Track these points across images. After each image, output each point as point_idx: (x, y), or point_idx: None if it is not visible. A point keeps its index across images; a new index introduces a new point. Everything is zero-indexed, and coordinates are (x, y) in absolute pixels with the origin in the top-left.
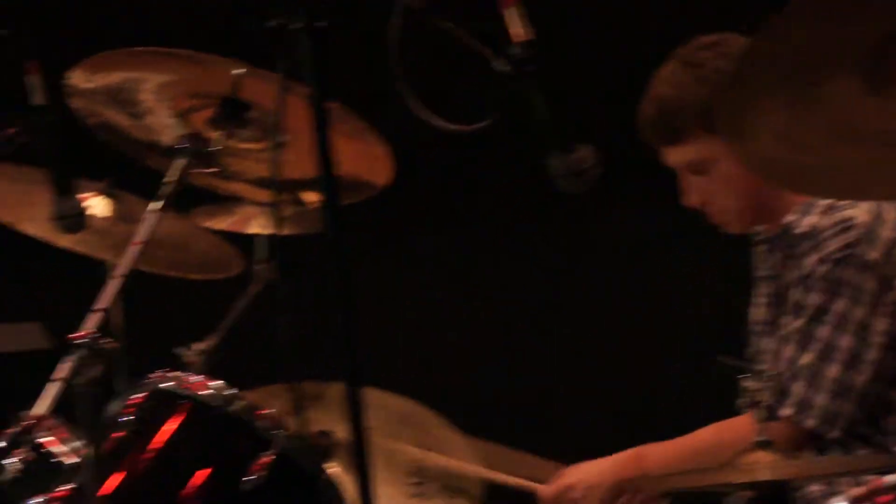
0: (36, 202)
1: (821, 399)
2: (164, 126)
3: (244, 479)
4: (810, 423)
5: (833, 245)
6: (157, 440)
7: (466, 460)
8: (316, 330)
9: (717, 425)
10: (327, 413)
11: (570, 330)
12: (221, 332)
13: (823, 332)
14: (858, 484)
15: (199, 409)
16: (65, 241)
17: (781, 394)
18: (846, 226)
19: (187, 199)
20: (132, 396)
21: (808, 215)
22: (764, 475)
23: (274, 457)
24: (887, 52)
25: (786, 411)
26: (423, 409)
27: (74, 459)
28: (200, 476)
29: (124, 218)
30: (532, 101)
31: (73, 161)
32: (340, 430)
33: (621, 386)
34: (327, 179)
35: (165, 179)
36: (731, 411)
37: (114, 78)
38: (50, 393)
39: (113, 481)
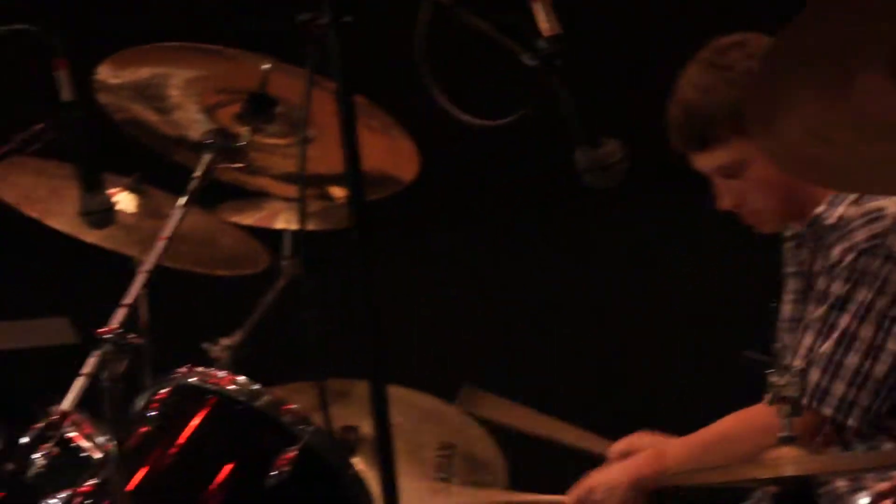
0: (64, 197)
1: (838, 388)
2: (192, 121)
3: (269, 474)
4: (827, 411)
5: (860, 235)
6: (183, 435)
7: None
8: (342, 326)
9: (735, 414)
10: (353, 410)
11: (594, 326)
12: (248, 327)
13: (844, 320)
14: (883, 479)
15: (224, 404)
16: (92, 236)
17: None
18: (875, 216)
19: (214, 195)
20: (158, 391)
21: (838, 206)
22: (789, 470)
23: (299, 452)
24: None
25: (803, 400)
26: (447, 405)
27: (100, 454)
28: (225, 471)
29: (152, 213)
30: (559, 96)
31: (101, 157)
32: (366, 427)
33: (646, 382)
34: (353, 175)
35: (193, 175)
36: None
37: (141, 73)
38: (76, 388)
39: (138, 476)
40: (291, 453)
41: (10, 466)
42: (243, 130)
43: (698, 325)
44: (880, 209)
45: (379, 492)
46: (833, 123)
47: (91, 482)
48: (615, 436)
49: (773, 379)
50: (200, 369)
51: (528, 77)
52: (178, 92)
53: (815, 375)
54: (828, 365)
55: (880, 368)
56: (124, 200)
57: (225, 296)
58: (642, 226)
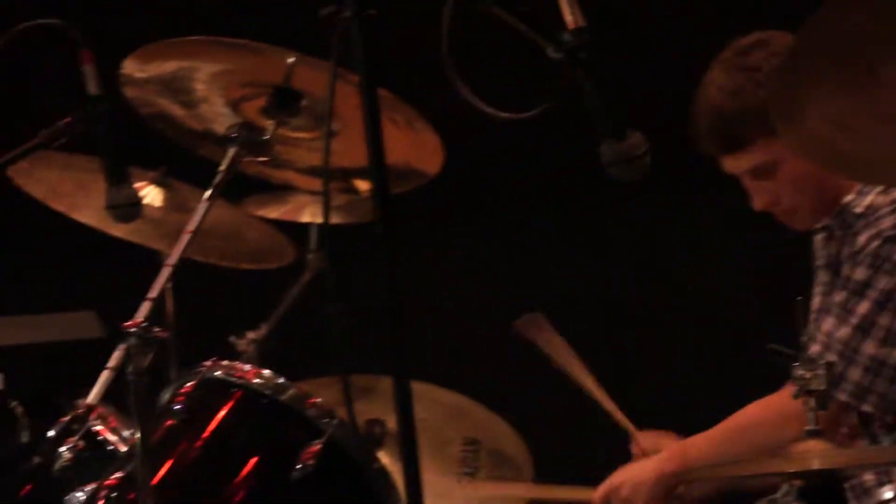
0: (91, 192)
1: (854, 374)
2: (217, 115)
3: (294, 467)
4: (842, 396)
5: (887, 222)
6: (208, 429)
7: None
8: (368, 321)
9: (757, 403)
10: (379, 405)
11: (617, 321)
12: (274, 321)
13: (864, 307)
14: None
15: (249, 398)
16: (119, 230)
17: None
18: None
19: (240, 189)
20: (183, 385)
21: (867, 196)
22: (815, 464)
23: (323, 446)
24: None
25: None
26: (471, 401)
27: (126, 447)
28: (250, 464)
29: (178, 207)
30: (584, 89)
31: (128, 150)
32: (392, 421)
33: (669, 376)
34: (377, 168)
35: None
36: None
37: (167, 67)
38: (101, 381)
39: (164, 469)
40: (316, 447)
41: (36, 460)
42: (268, 124)
43: (723, 318)
44: None
45: (404, 486)
46: (858, 116)
47: (116, 475)
48: (646, 426)
49: (800, 372)
50: (225, 363)
51: (552, 70)
52: (204, 86)
53: (829, 358)
54: (844, 350)
55: None
56: (151, 194)
57: (252, 289)
58: (666, 219)
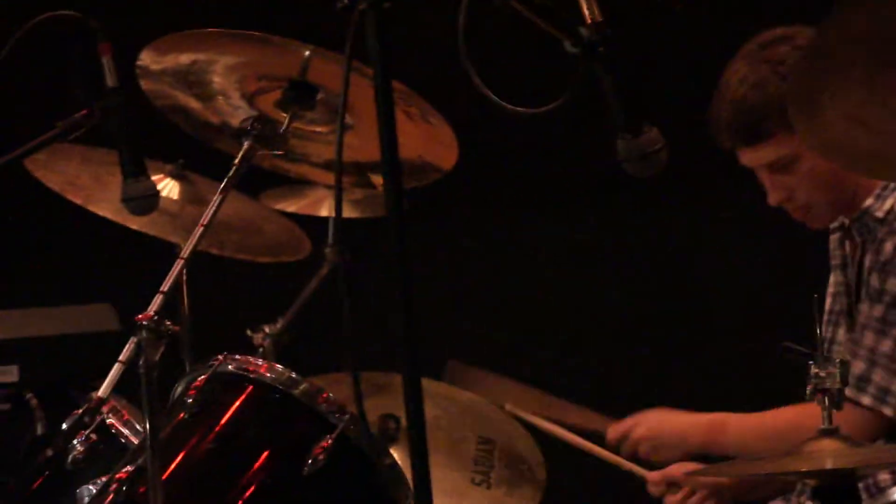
0: (108, 184)
1: None
2: (233, 108)
3: (305, 462)
4: (888, 411)
5: None
6: (220, 423)
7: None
8: (382, 317)
9: (797, 408)
10: (395, 401)
11: (635, 314)
12: (291, 315)
13: None
14: None
15: (261, 392)
16: (135, 223)
17: (862, 381)
18: None
19: (258, 182)
20: (195, 379)
21: (886, 199)
22: (830, 463)
23: (335, 441)
24: None
25: (866, 400)
26: (483, 400)
27: (138, 441)
28: (262, 458)
29: (195, 200)
30: (602, 84)
31: (145, 143)
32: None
33: (686, 373)
34: (391, 162)
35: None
36: (798, 398)
37: (183, 59)
38: (112, 375)
39: (175, 463)
40: (327, 442)
41: (49, 452)
42: (283, 117)
43: (738, 316)
44: None
45: (413, 482)
46: (876, 113)
47: (127, 469)
48: None
49: (814, 370)
50: (238, 357)
51: (569, 64)
52: (220, 78)
53: (877, 377)
54: (890, 364)
55: None
56: (168, 187)
57: (269, 283)
58: (682, 215)
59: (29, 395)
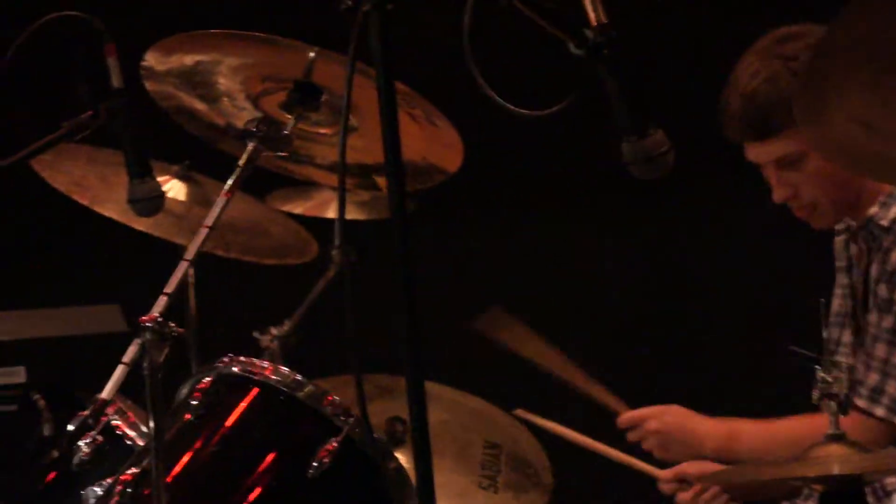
0: (114, 185)
1: None
2: (237, 109)
3: (310, 465)
4: None
5: None
6: (225, 425)
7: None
8: (388, 319)
9: (806, 418)
10: (401, 404)
11: (638, 315)
12: (298, 317)
13: None
14: None
15: (266, 394)
16: (142, 224)
17: (876, 393)
18: None
19: (265, 184)
20: (200, 380)
21: (891, 207)
22: (837, 469)
23: (340, 443)
24: None
25: (879, 411)
26: (494, 406)
27: (143, 442)
28: (267, 461)
29: (201, 201)
30: (607, 86)
31: (152, 144)
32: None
33: (687, 371)
34: (394, 164)
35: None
36: (798, 399)
37: (187, 60)
38: (116, 376)
39: (180, 464)
40: (332, 445)
41: (55, 454)
42: (288, 119)
43: (738, 317)
44: None
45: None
46: (883, 116)
47: (132, 471)
48: None
49: (821, 375)
50: (243, 359)
51: (574, 66)
52: (224, 79)
53: (891, 388)
54: None
55: None
56: (174, 188)
57: (276, 285)
58: (686, 218)
59: (36, 396)
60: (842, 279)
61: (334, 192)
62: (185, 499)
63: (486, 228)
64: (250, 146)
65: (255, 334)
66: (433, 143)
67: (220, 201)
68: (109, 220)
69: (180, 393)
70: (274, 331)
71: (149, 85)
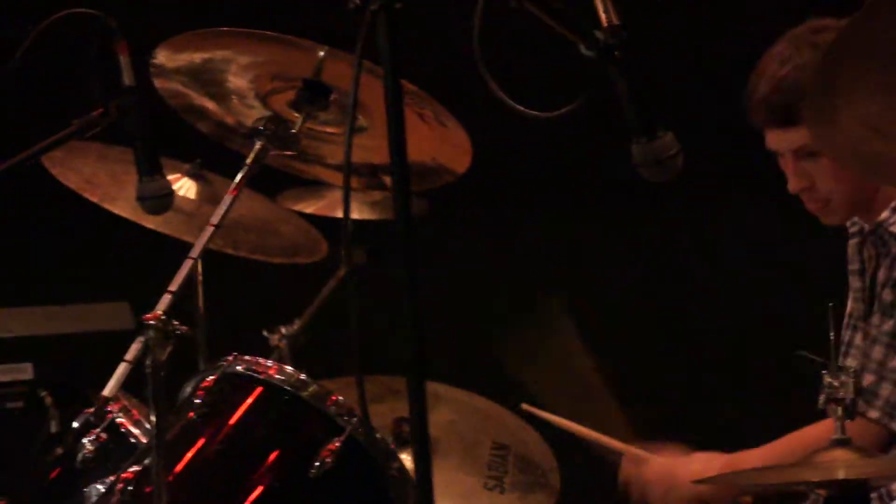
0: (124, 183)
1: None
2: (247, 108)
3: (313, 464)
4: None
5: None
6: (228, 423)
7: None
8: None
9: (813, 428)
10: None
11: (647, 322)
12: (307, 317)
13: None
14: None
15: (270, 394)
16: (151, 222)
17: (870, 395)
18: None
19: (275, 183)
20: (205, 379)
21: None
22: (842, 474)
23: (343, 443)
24: None
25: (873, 413)
26: (501, 407)
27: (147, 440)
28: (270, 460)
29: (212, 199)
30: (618, 88)
31: (162, 142)
32: None
33: (687, 372)
34: (399, 164)
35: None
36: (798, 400)
37: (197, 58)
38: (118, 374)
39: (183, 463)
40: (335, 444)
41: (59, 451)
42: (297, 118)
43: (738, 318)
44: None
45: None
46: (892, 121)
47: (134, 468)
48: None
49: (828, 380)
50: (247, 358)
51: (585, 68)
52: (234, 78)
53: (885, 391)
54: None
55: None
56: (185, 186)
57: (287, 284)
58: (695, 221)
59: (43, 393)
60: (855, 282)
61: None
62: (186, 497)
63: (494, 229)
64: (258, 145)
65: (265, 333)
66: (442, 144)
67: (227, 199)
68: (120, 217)
69: (184, 391)
70: (283, 330)
71: (158, 82)
